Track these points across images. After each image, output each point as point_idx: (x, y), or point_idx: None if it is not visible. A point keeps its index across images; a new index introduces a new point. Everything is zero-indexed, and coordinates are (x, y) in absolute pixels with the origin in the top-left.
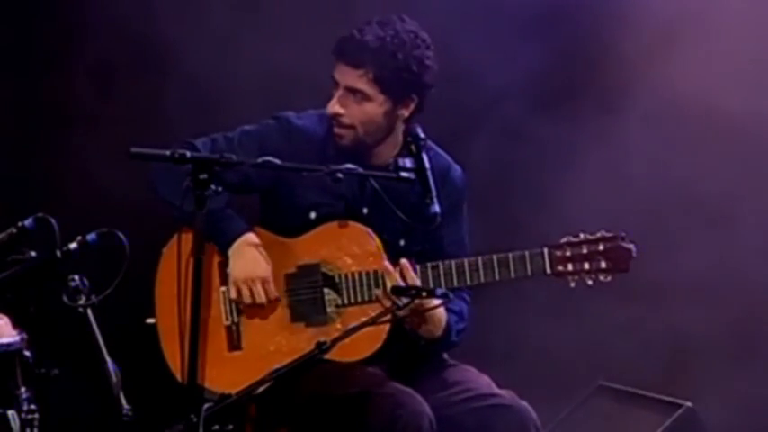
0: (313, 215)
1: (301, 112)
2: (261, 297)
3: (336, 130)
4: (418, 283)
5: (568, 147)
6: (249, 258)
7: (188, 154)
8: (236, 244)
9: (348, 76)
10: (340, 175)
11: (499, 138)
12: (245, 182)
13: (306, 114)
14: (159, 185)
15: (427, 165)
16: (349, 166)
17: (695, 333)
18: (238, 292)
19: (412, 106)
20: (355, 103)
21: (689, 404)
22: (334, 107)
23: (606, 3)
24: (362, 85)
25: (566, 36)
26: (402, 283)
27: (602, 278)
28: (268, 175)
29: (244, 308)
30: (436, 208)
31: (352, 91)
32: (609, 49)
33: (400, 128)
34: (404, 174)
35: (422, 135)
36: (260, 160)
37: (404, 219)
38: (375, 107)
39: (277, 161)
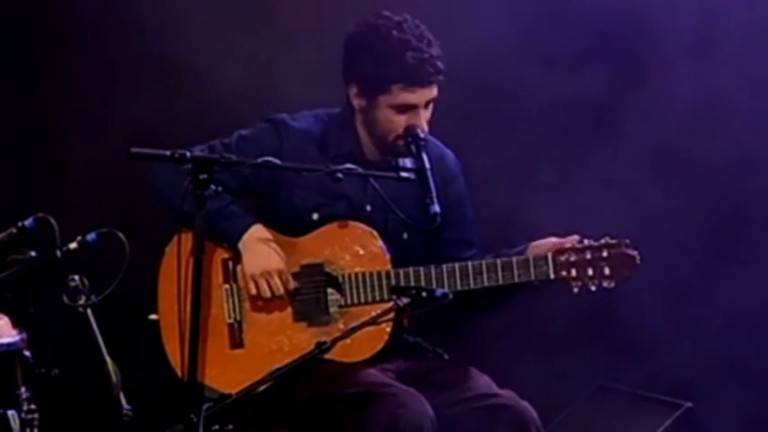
0: (315, 216)
1: (295, 113)
2: (279, 289)
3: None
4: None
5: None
6: (262, 252)
7: (188, 154)
8: (245, 238)
9: (428, 94)
10: (340, 175)
11: (517, 148)
12: (244, 185)
13: (300, 115)
14: (159, 187)
15: (427, 165)
16: (349, 165)
17: (695, 333)
18: (256, 286)
19: None
20: (428, 111)
21: (689, 404)
22: (425, 126)
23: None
24: (436, 92)
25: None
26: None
27: (605, 284)
28: (267, 178)
29: (247, 306)
30: (436, 208)
31: (429, 103)
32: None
33: None
34: (404, 174)
35: (422, 135)
36: (260, 160)
37: (403, 218)
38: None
39: (277, 161)
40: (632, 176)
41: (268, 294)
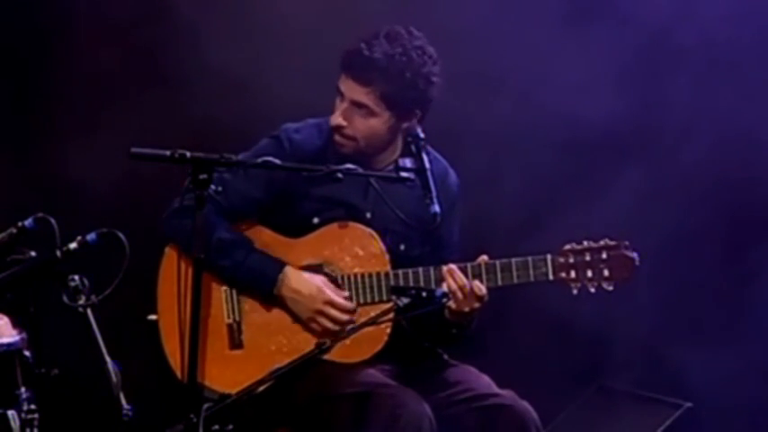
0: (316, 220)
1: (300, 122)
2: (340, 318)
3: (338, 138)
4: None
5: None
6: (305, 295)
7: (187, 154)
8: (280, 287)
9: (354, 91)
10: (340, 175)
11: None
12: (250, 204)
13: (305, 125)
14: (172, 235)
15: (427, 165)
16: (349, 165)
17: (694, 332)
18: (319, 326)
19: (415, 120)
20: (360, 117)
21: (689, 404)
22: (337, 119)
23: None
24: (369, 101)
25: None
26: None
27: (604, 286)
28: (273, 191)
29: (246, 307)
30: (436, 208)
31: (357, 105)
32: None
33: (401, 135)
34: (404, 174)
35: (422, 135)
36: (260, 160)
37: (404, 219)
38: (380, 122)
39: (277, 161)
40: (650, 194)
41: (333, 327)
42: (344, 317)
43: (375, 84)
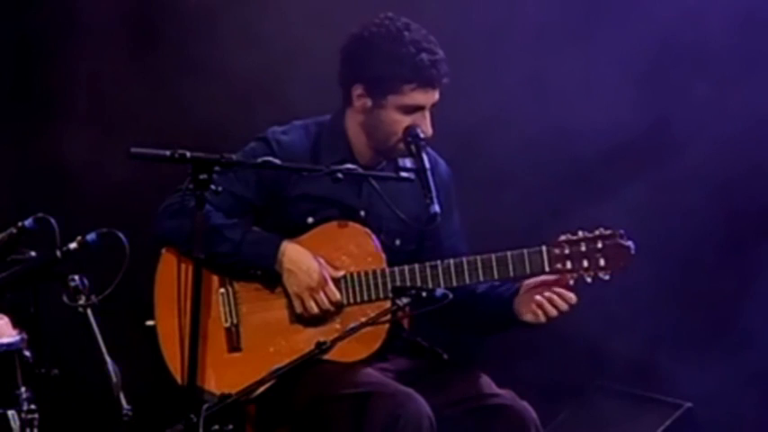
0: (310, 220)
1: (286, 124)
2: (325, 304)
3: (414, 147)
4: None
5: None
6: (303, 269)
7: (188, 154)
8: (279, 260)
9: (434, 96)
10: (340, 175)
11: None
12: (249, 208)
13: (291, 127)
14: (165, 234)
15: (427, 165)
16: (349, 165)
17: (695, 332)
18: (303, 305)
19: None
20: (431, 114)
21: (689, 404)
22: (430, 129)
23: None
24: (438, 95)
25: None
26: None
27: (601, 275)
28: (264, 192)
29: (243, 309)
30: (436, 208)
31: (433, 105)
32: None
33: None
34: (404, 174)
35: (421, 135)
36: (260, 160)
37: (403, 218)
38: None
39: (277, 161)
40: (651, 196)
41: (316, 311)
42: (330, 306)
43: (446, 79)
